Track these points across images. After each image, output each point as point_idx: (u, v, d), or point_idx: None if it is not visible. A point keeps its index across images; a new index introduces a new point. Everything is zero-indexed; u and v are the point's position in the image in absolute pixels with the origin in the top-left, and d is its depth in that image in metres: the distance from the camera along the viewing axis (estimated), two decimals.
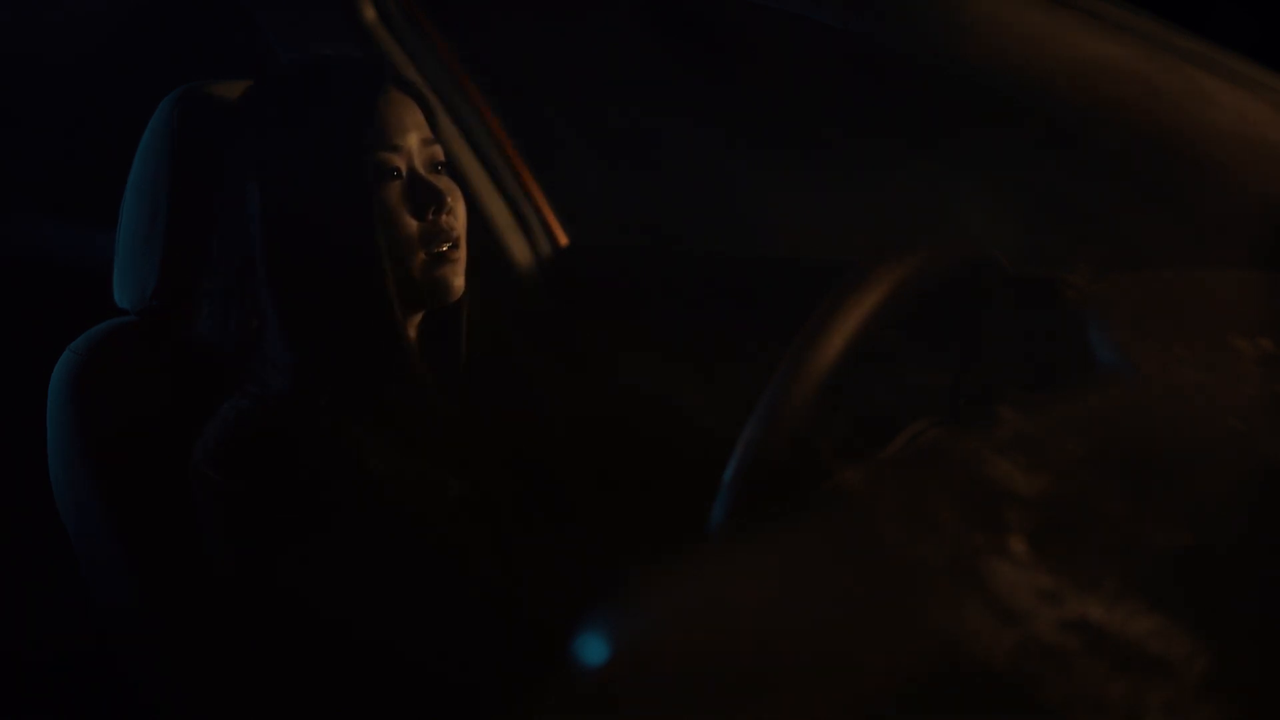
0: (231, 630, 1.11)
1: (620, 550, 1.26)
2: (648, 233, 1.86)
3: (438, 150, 1.20)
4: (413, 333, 1.20)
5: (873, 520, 0.78)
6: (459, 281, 1.18)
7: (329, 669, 1.10)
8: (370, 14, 1.65)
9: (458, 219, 1.18)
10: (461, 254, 1.18)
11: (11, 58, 1.70)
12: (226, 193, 1.16)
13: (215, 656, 1.15)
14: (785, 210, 1.75)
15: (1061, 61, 1.05)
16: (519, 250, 1.74)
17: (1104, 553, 0.74)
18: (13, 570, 1.62)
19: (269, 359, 1.14)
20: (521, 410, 1.28)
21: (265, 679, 1.12)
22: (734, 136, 1.83)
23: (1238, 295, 1.01)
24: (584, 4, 1.78)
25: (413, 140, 1.17)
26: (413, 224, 1.15)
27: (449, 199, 1.17)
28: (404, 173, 1.16)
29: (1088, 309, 1.01)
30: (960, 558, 0.72)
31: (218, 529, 1.10)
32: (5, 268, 1.82)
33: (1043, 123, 1.09)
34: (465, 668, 1.10)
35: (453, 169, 1.23)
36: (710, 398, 1.42)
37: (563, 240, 1.78)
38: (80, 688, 1.54)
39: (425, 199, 1.16)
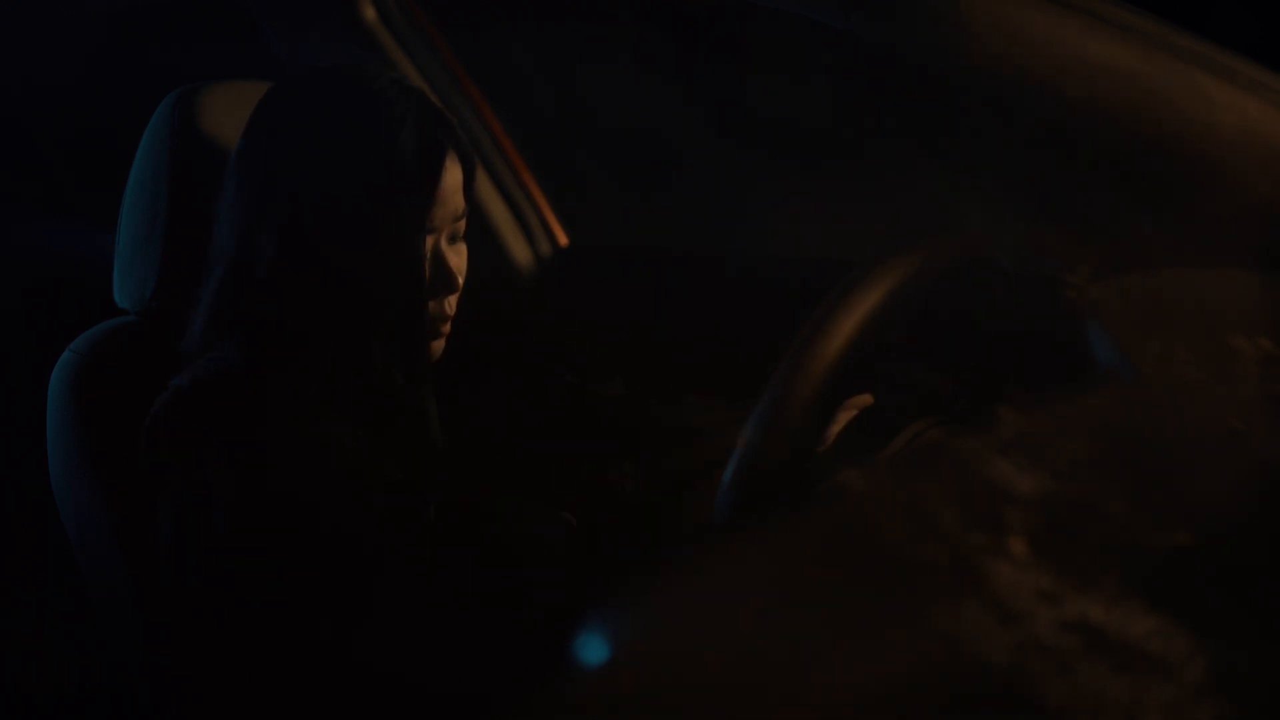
0: (212, 626, 1.11)
1: (618, 550, 1.26)
2: (648, 233, 1.86)
3: (462, 224, 1.15)
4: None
5: (873, 520, 0.78)
6: (439, 348, 1.16)
7: (275, 664, 1.09)
8: (370, 14, 1.65)
9: (458, 289, 1.15)
10: (448, 327, 1.16)
11: (12, 58, 1.70)
12: (222, 194, 1.13)
13: (215, 656, 1.15)
14: (785, 210, 1.75)
15: (1062, 62, 1.05)
16: (519, 250, 1.74)
17: (1104, 553, 0.74)
18: (13, 569, 1.62)
19: (228, 348, 1.11)
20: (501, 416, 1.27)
21: (260, 678, 1.11)
22: (734, 136, 1.84)
23: (1238, 295, 1.01)
24: (584, 4, 1.78)
25: (447, 214, 1.12)
26: None
27: (458, 280, 1.14)
28: (428, 253, 1.12)
29: (1088, 309, 1.01)
30: (960, 558, 0.72)
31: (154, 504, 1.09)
32: (5, 268, 1.82)
33: (1043, 123, 1.09)
34: (432, 663, 1.09)
35: None
36: (710, 398, 1.42)
37: (563, 240, 1.78)
38: (79, 685, 1.54)
39: (437, 284, 1.13)
